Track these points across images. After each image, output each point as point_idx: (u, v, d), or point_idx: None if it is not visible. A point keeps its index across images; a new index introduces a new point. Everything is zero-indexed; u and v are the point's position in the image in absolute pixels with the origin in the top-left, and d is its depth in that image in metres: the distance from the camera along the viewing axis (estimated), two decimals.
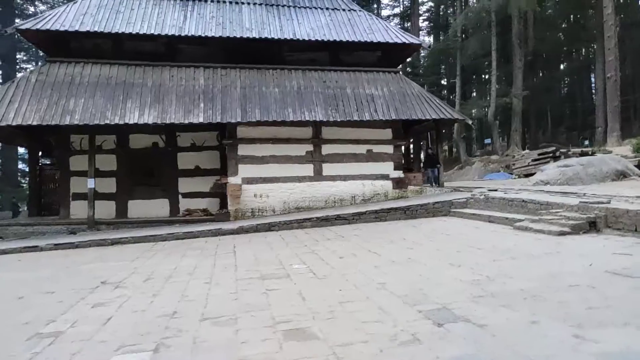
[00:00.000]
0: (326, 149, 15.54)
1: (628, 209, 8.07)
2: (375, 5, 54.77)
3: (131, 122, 13.31)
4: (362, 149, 15.79)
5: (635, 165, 17.85)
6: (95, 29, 14.27)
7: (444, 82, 47.88)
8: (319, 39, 15.86)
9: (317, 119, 14.70)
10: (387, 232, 10.74)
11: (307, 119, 14.60)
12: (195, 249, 9.99)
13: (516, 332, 3.80)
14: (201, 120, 13.80)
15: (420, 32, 53.03)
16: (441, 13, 51.87)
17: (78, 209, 14.71)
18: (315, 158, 15.43)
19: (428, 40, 51.48)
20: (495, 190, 14.50)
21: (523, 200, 11.22)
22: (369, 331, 4.02)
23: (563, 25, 44.66)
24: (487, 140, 38.91)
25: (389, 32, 16.61)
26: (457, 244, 8.47)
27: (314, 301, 5.11)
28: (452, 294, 5.04)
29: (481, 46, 36.66)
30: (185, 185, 15.74)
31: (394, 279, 5.98)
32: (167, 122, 13.56)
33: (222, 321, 4.55)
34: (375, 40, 16.20)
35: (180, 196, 15.71)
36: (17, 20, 28.76)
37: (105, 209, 14.99)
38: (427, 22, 53.19)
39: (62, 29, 13.96)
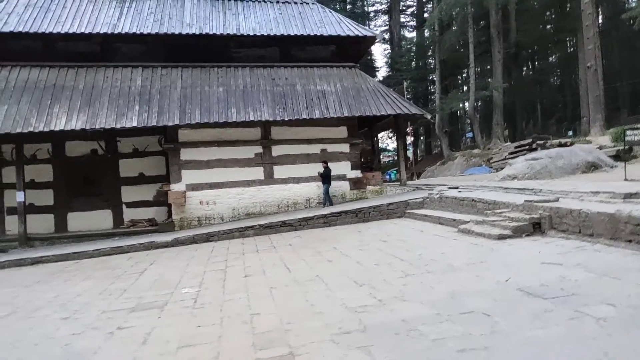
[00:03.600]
0: (277, 150, 14.60)
1: (571, 208, 7.17)
2: (360, 3, 53.94)
3: (57, 128, 12.36)
4: (315, 148, 14.86)
5: (613, 156, 16.97)
6: (21, 29, 13.29)
7: (432, 77, 46.90)
8: (266, 33, 14.90)
9: (263, 119, 13.77)
10: (325, 240, 9.86)
11: (252, 118, 13.66)
12: (109, 268, 9.06)
13: None
14: (134, 124, 12.85)
15: (403, 27, 52.25)
16: (425, 8, 50.87)
17: (13, 224, 13.71)
18: (265, 160, 14.49)
19: (409, 33, 50.57)
20: (456, 187, 13.63)
21: (473, 200, 10.33)
22: None
23: (548, 16, 43.77)
24: (469, 134, 38.05)
25: (341, 25, 15.65)
26: (385, 253, 7.60)
27: (154, 345, 4.20)
28: (317, 331, 4.14)
29: (459, 39, 35.71)
30: (129, 194, 14.78)
31: (275, 306, 5.09)
32: (97, 127, 12.60)
33: None
34: (326, 34, 15.24)
35: (124, 206, 14.75)
36: None
37: (44, 223, 14.05)
38: (410, 17, 52.19)
39: None
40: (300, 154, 14.73)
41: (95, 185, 14.63)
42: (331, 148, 14.98)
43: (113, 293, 6.66)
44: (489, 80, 34.00)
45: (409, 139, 50.60)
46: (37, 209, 13.95)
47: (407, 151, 42.96)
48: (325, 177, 14.25)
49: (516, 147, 23.34)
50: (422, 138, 53.78)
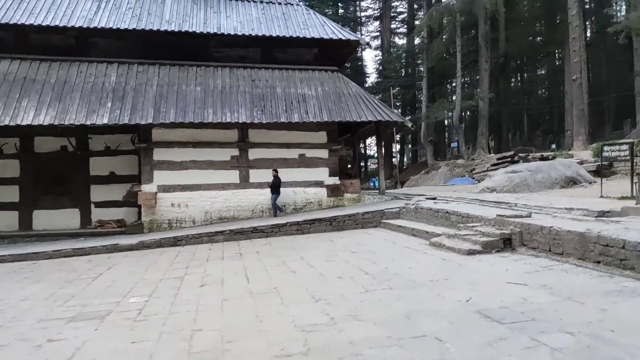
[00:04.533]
0: (254, 154, 14.26)
1: (542, 225, 6.97)
2: (352, 8, 53.90)
3: (24, 123, 11.89)
4: (293, 153, 14.55)
5: (593, 171, 16.95)
6: None
7: (420, 84, 46.90)
8: (247, 33, 14.59)
9: (240, 121, 13.43)
10: (294, 249, 9.55)
11: (229, 120, 13.31)
12: (64, 271, 8.64)
13: None
14: (105, 121, 12.43)
15: (395, 34, 52.31)
16: (416, 16, 51.00)
17: None
18: (241, 163, 14.14)
19: (400, 40, 50.64)
20: (434, 198, 13.42)
21: (447, 212, 10.11)
22: None
23: (538, 27, 44.12)
24: (454, 144, 38.05)
25: (325, 28, 15.40)
26: (352, 265, 7.33)
27: None
28: (257, 352, 3.88)
29: (447, 48, 35.74)
30: (98, 193, 14.29)
31: (221, 321, 4.80)
32: (66, 123, 12.15)
33: None
34: (309, 36, 14.98)
35: (92, 205, 14.25)
36: None
37: (7, 220, 13.50)
38: (400, 24, 52.28)
39: None
40: (278, 159, 14.41)
41: (64, 183, 14.12)
42: (310, 153, 14.69)
43: (59, 299, 6.27)
44: (477, 90, 33.99)
45: (397, 147, 50.78)
46: (1, 205, 13.41)
47: (393, 159, 43.01)
48: (275, 187, 13.72)
49: (498, 159, 23.26)
50: (409, 146, 53.82)
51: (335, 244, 9.88)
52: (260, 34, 14.65)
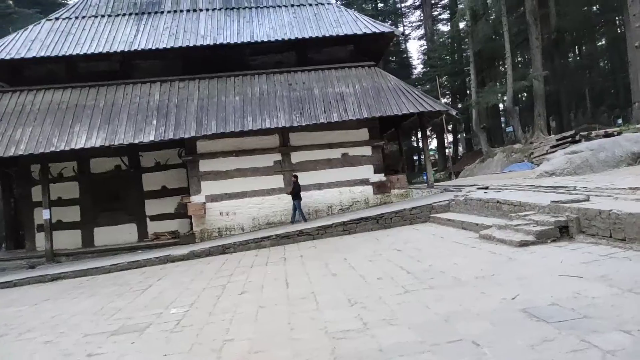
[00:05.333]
0: (296, 157, 14.26)
1: (600, 209, 6.34)
2: (391, 1, 52.95)
3: (77, 147, 12.60)
4: (336, 153, 14.40)
5: None
6: (42, 54, 13.75)
7: (466, 69, 45.21)
8: (280, 38, 14.65)
9: (280, 126, 13.46)
10: (338, 250, 9.38)
11: (268, 126, 13.39)
12: (118, 284, 9.00)
13: None
14: (152, 138, 12.90)
15: (438, 21, 50.79)
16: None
17: (44, 241, 14.10)
18: (284, 168, 14.18)
19: (444, 27, 49.08)
20: (486, 188, 12.77)
21: (498, 202, 9.52)
22: None
23: None
24: (509, 129, 36.25)
25: (357, 23, 15.13)
26: (394, 265, 7.05)
27: None
28: None
29: (493, 29, 34.10)
30: (152, 207, 14.90)
31: (254, 330, 4.73)
32: (116, 143, 12.75)
33: None
34: (342, 33, 14.78)
35: (148, 219, 14.88)
36: None
37: (71, 239, 14.39)
38: (442, 10, 50.63)
39: (7, 57, 13.50)
40: (321, 160, 14.32)
41: (120, 200, 14.86)
42: (352, 152, 14.48)
43: (106, 313, 6.49)
44: (530, 70, 32.23)
45: (448, 137, 49.17)
46: (64, 225, 14.31)
47: (447, 149, 41.69)
48: (295, 193, 13.45)
49: (558, 140, 21.84)
50: (463, 135, 51.94)
51: (380, 243, 9.60)
52: (292, 37, 14.67)
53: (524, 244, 6.92)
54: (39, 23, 14.98)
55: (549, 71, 34.72)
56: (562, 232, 7.00)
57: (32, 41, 14.13)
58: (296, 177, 13.59)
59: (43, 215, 13.15)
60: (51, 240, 13.13)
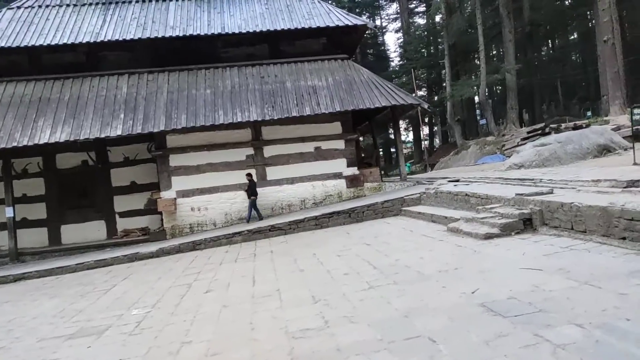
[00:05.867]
0: (269, 151, 14.09)
1: (562, 202, 6.44)
2: None
3: (41, 142, 12.17)
4: (309, 147, 14.28)
5: (629, 136, 15.83)
6: (3, 44, 13.16)
7: (443, 63, 45.52)
8: (252, 30, 14.39)
9: (252, 119, 13.27)
10: (309, 245, 9.32)
11: (240, 120, 13.19)
12: (82, 284, 8.75)
13: None
14: (119, 132, 12.55)
15: (414, 14, 50.93)
16: None
17: (6, 239, 13.62)
18: (257, 162, 14.00)
19: (421, 20, 49.26)
20: (457, 180, 12.90)
21: (466, 194, 9.62)
22: None
23: None
24: (482, 121, 36.75)
25: (330, 16, 14.98)
26: (362, 259, 7.03)
27: None
28: None
29: (468, 23, 34.37)
30: (121, 203, 14.52)
31: (213, 331, 4.65)
32: (81, 138, 12.35)
33: None
34: (314, 26, 14.62)
35: (117, 216, 14.50)
36: None
37: (37, 237, 13.92)
38: (418, 3, 50.79)
39: None
40: (294, 154, 14.19)
41: (88, 197, 14.44)
42: (325, 145, 14.38)
43: (66, 315, 6.30)
44: (502, 63, 32.63)
45: (426, 129, 49.49)
46: (30, 223, 13.85)
47: (424, 142, 41.99)
48: (250, 191, 13.22)
49: (528, 133, 22.23)
50: (439, 127, 52.42)
51: (351, 237, 9.59)
52: (264, 29, 14.43)
53: (489, 236, 6.99)
54: None
55: (522, 64, 35.23)
56: (526, 224, 7.10)
57: None
58: (250, 175, 13.35)
59: (5, 213, 12.69)
60: (15, 239, 12.69)
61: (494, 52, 47.33)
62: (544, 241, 6.24)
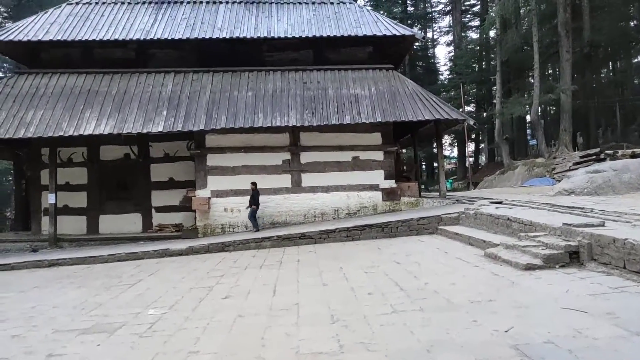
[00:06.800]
0: (306, 157, 13.93)
1: (615, 237, 5.85)
2: (422, 5, 52.07)
3: (86, 133, 12.52)
4: (347, 156, 14.01)
5: None
6: (59, 37, 13.73)
7: (492, 78, 44.13)
8: (297, 35, 14.33)
9: (290, 124, 13.16)
10: (337, 258, 9.02)
11: (279, 124, 13.10)
12: (109, 276, 8.81)
13: None
14: (160, 129, 12.75)
15: (467, 28, 49.76)
16: (488, 7, 48.16)
17: (48, 225, 14.09)
18: (293, 167, 13.87)
19: (475, 34, 48.11)
20: (500, 202, 12.26)
21: (508, 219, 9.04)
22: None
23: (630, 10, 39.44)
24: (532, 142, 35.23)
25: (378, 25, 14.71)
26: (389, 279, 6.68)
27: None
28: None
29: (523, 39, 33.13)
30: (158, 198, 14.75)
31: (222, 344, 4.43)
32: (124, 131, 12.63)
33: None
34: (361, 34, 14.39)
35: (153, 210, 14.73)
36: None
37: (77, 225, 14.35)
38: (472, 17, 49.60)
39: (24, 39, 13.54)
40: (331, 162, 13.96)
41: (127, 189, 14.78)
42: (364, 155, 14.07)
43: (86, 307, 6.29)
44: (557, 83, 31.22)
45: (472, 146, 48.06)
46: (71, 210, 14.29)
47: (470, 158, 40.76)
48: (253, 200, 13.01)
49: (581, 157, 21.00)
50: (487, 144, 50.77)
51: (382, 253, 9.21)
52: (310, 35, 14.35)
53: (529, 267, 6.46)
54: (60, 7, 15.00)
55: (579, 85, 33.58)
56: (572, 257, 6.52)
57: (50, 24, 14.14)
58: (255, 184, 13.15)
59: (49, 199, 13.14)
60: (55, 225, 13.09)
61: (550, 72, 45.48)
62: (591, 278, 5.67)
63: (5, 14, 33.38)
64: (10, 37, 13.57)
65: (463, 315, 4.68)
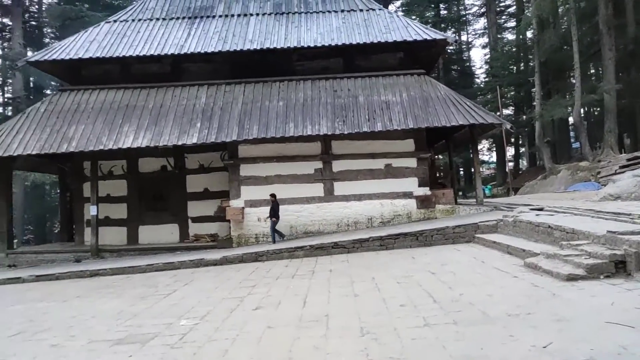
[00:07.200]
0: (338, 166, 13.87)
1: None
2: (455, 8, 51.34)
3: (125, 146, 12.95)
4: (379, 163, 13.86)
5: None
6: (99, 54, 14.31)
7: (531, 80, 42.78)
8: (327, 43, 14.36)
9: (322, 133, 13.16)
10: (370, 268, 8.89)
11: (310, 133, 13.12)
12: (146, 286, 9.03)
13: None
14: (194, 141, 13.02)
15: (503, 29, 48.58)
16: (524, 7, 46.89)
17: (90, 236, 14.61)
18: (325, 176, 13.84)
19: (511, 35, 46.93)
20: (541, 209, 11.77)
21: (549, 226, 8.65)
22: None
23: None
24: (576, 145, 33.84)
25: (408, 30, 14.54)
26: (423, 290, 6.51)
27: None
28: None
29: (562, 39, 31.98)
30: (194, 209, 15.05)
31: (250, 356, 4.37)
32: (160, 144, 12.98)
33: None
34: (391, 40, 14.26)
35: (190, 220, 15.04)
36: None
37: (118, 236, 14.81)
38: (508, 17, 48.40)
39: (66, 57, 14.20)
40: (363, 170, 13.85)
41: (164, 200, 15.16)
42: (396, 163, 13.89)
43: (122, 317, 6.43)
44: (600, 82, 29.91)
45: (512, 150, 46.64)
46: (112, 221, 14.77)
47: (508, 163, 39.56)
48: (273, 212, 12.89)
49: (628, 160, 20.00)
50: (527, 148, 49.14)
51: (415, 262, 9.01)
52: (340, 43, 14.34)
53: (572, 278, 6.12)
54: (98, 25, 15.68)
55: (624, 84, 32.04)
56: (618, 267, 6.14)
57: (90, 42, 14.77)
58: (274, 195, 13.05)
59: (90, 211, 13.64)
60: (97, 236, 13.56)
61: (592, 71, 43.68)
62: (639, 290, 5.32)
63: (52, 35, 35.26)
64: (54, 57, 14.26)
65: (499, 330, 4.48)
